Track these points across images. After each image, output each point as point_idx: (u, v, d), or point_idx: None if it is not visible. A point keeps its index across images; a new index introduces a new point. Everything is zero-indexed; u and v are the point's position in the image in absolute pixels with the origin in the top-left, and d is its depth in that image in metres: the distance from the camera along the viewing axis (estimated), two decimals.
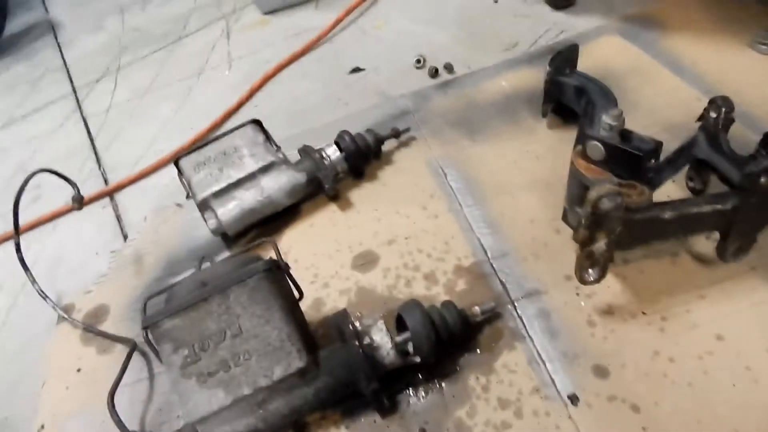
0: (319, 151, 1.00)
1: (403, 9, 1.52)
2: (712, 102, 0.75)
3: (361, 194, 1.00)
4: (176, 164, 0.99)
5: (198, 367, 0.66)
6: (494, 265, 0.82)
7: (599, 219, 0.63)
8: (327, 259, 0.90)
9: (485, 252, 0.85)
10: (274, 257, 0.72)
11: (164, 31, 1.73)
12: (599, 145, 0.71)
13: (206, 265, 0.81)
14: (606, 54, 1.15)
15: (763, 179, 0.62)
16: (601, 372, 0.68)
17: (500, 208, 0.91)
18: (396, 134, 1.06)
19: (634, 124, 0.91)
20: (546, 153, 0.97)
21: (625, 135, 0.71)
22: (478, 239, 0.87)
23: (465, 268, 0.83)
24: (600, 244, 0.66)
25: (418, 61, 1.29)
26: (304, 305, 0.84)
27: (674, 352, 0.67)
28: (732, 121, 0.74)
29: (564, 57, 0.97)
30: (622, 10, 1.27)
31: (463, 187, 0.96)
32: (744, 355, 0.65)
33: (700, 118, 0.76)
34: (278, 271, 0.71)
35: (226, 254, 0.95)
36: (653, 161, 0.70)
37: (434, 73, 1.25)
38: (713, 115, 0.74)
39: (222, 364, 0.66)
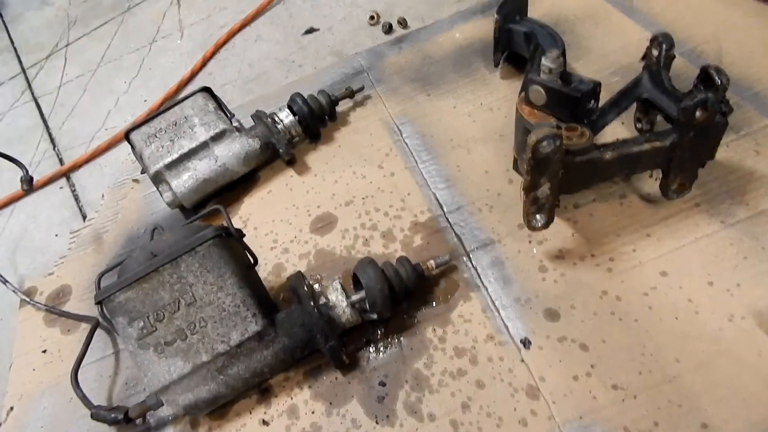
0: (272, 115, 0.98)
1: None
2: (653, 40, 0.75)
3: (317, 157, 0.99)
4: (127, 138, 0.97)
5: (155, 338, 0.66)
6: (450, 219, 0.83)
7: (540, 163, 0.63)
8: (286, 225, 0.90)
9: (441, 206, 0.85)
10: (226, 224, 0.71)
11: (113, 2, 1.65)
12: (540, 89, 0.71)
13: (158, 236, 0.80)
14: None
15: (698, 113, 0.62)
16: (551, 315, 0.70)
17: (455, 161, 0.91)
18: (350, 94, 1.04)
19: (586, 68, 0.91)
20: (500, 103, 0.97)
21: (565, 77, 0.70)
22: (434, 194, 0.87)
23: (421, 223, 0.84)
24: (544, 189, 0.66)
25: (372, 17, 1.26)
26: (264, 271, 0.85)
27: (621, 290, 0.69)
28: (673, 57, 0.74)
29: (512, 4, 0.95)
30: None
31: (419, 143, 0.95)
32: (686, 289, 0.67)
33: (643, 57, 0.76)
34: (228, 238, 0.70)
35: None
36: (593, 102, 0.70)
37: (388, 28, 1.23)
38: (655, 53, 0.74)
39: (178, 333, 0.66)
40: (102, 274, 0.74)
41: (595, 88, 0.69)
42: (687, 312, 0.66)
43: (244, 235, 0.75)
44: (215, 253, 0.68)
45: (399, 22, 1.23)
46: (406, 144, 0.96)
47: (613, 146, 0.67)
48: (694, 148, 0.67)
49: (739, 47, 0.91)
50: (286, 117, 0.97)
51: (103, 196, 1.07)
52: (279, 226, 0.90)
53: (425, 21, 1.21)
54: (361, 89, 1.06)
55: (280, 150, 0.95)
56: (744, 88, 0.85)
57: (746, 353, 0.61)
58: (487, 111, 0.96)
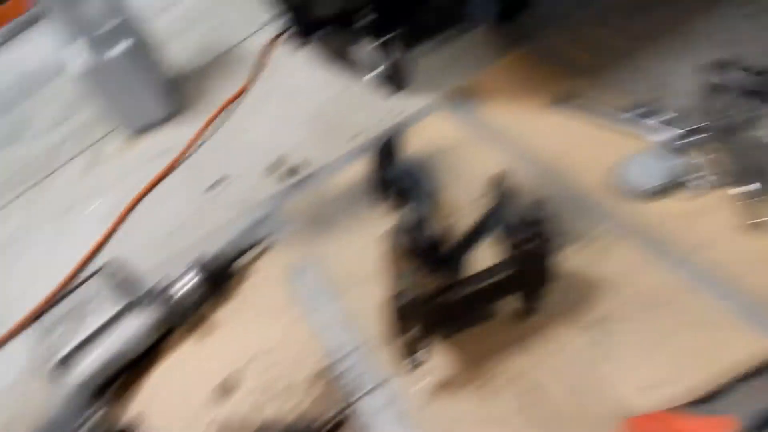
0: (173, 282, 1.03)
1: (259, 114, 1.60)
2: (491, 178, 0.87)
3: (223, 315, 1.04)
4: (32, 323, 0.99)
5: None
6: (345, 364, 0.88)
7: (401, 314, 0.71)
8: (187, 399, 0.91)
9: (337, 351, 0.90)
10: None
11: (33, 169, 1.72)
12: (399, 238, 0.80)
13: None
14: (434, 131, 1.26)
15: (520, 249, 0.72)
16: None
17: (350, 303, 0.97)
18: (252, 245, 1.12)
19: (459, 191, 0.99)
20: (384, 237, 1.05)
21: (422, 227, 0.80)
22: (331, 340, 0.92)
23: (318, 373, 0.88)
24: (411, 333, 0.73)
25: (274, 164, 1.37)
26: None
27: (496, 413, 0.75)
28: (509, 194, 0.85)
29: (382, 152, 1.08)
30: (450, 85, 1.36)
31: (317, 288, 1.02)
32: (553, 400, 0.73)
33: (489, 192, 0.87)
34: None
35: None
36: (441, 252, 0.79)
37: (289, 173, 1.33)
38: (494, 190, 0.85)
39: None
40: None
41: (438, 240, 0.79)
42: (558, 427, 0.71)
43: None
44: None
45: (297, 167, 1.33)
46: (306, 290, 1.02)
47: (461, 286, 0.75)
48: (530, 275, 0.76)
49: (576, 162, 1.05)
50: (189, 281, 1.02)
51: (4, 391, 1.06)
52: (180, 402, 0.92)
53: (320, 163, 1.31)
54: (262, 240, 1.13)
55: (182, 317, 0.99)
56: (579, 199, 0.97)
57: None
58: (375, 249, 1.04)
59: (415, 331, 0.74)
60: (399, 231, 0.81)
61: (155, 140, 1.65)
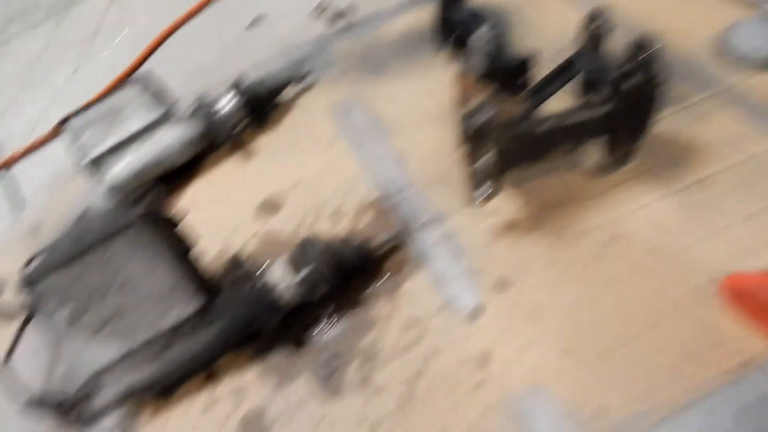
0: (213, 101, 0.95)
1: None
2: (589, 15, 0.76)
3: (263, 142, 0.97)
4: (62, 126, 0.93)
5: (86, 321, 0.62)
6: (397, 198, 0.82)
7: (476, 135, 0.63)
8: (230, 211, 0.87)
9: (388, 186, 0.84)
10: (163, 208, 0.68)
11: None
12: (476, 61, 0.71)
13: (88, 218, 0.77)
14: None
15: (626, 82, 0.64)
16: (502, 285, 0.69)
17: (403, 142, 0.90)
18: (297, 78, 1.03)
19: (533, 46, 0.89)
20: (444, 86, 0.95)
21: (500, 52, 0.71)
22: (382, 174, 0.86)
23: (369, 203, 0.82)
24: (483, 162, 0.66)
25: (318, 7, 1.25)
26: (209, 257, 0.82)
27: (569, 258, 0.70)
28: (609, 31, 0.75)
29: None
30: None
31: (366, 125, 0.94)
32: (633, 255, 0.68)
33: (582, 32, 0.77)
34: (161, 218, 0.67)
35: None
36: (527, 74, 0.71)
37: (335, 18, 1.21)
38: (591, 27, 0.75)
39: (112, 315, 0.62)
40: (31, 259, 0.70)
41: (527, 60, 0.70)
42: (635, 277, 0.66)
43: (178, 223, 0.71)
44: (146, 233, 0.64)
45: (345, 12, 1.21)
46: (354, 126, 0.95)
47: (548, 118, 0.67)
48: (629, 119, 0.68)
49: (677, 25, 0.94)
50: (229, 102, 0.94)
51: (40, 189, 1.02)
52: (223, 212, 0.87)
53: (371, 10, 1.19)
54: (308, 74, 1.05)
55: (222, 136, 0.92)
56: (683, 61, 0.87)
57: (691, 317, 0.62)
58: (433, 93, 0.96)
59: (487, 158, 0.67)
60: (476, 50, 0.71)
61: None
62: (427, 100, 0.96)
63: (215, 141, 0.95)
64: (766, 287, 0.57)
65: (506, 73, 0.72)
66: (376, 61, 1.06)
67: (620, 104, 0.67)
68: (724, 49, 0.86)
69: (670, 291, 0.64)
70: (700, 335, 0.60)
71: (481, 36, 0.72)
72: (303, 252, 0.69)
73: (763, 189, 0.70)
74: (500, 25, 0.83)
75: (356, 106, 0.98)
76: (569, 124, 0.68)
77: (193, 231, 0.74)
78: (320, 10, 1.24)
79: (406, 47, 1.07)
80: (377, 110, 0.96)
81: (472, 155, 0.67)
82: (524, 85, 0.72)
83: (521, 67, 0.70)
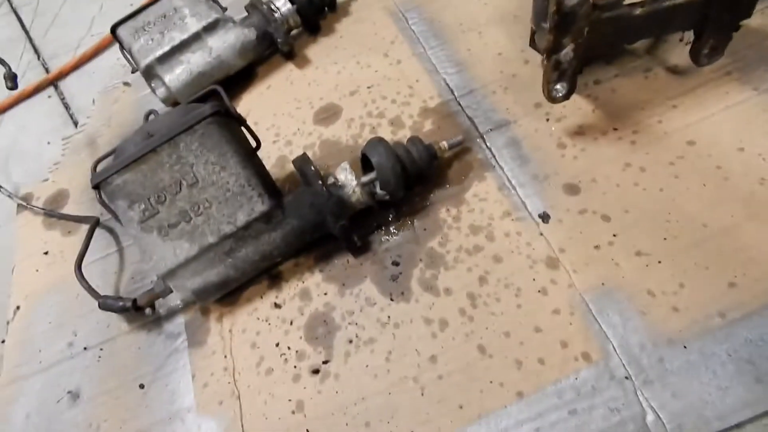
0: (268, 4, 0.91)
1: None
2: None
3: (318, 49, 0.93)
4: (113, 33, 0.91)
5: (157, 220, 0.63)
6: (461, 103, 0.78)
7: (565, 19, 0.58)
8: (288, 118, 0.85)
9: (452, 91, 0.80)
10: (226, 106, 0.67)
11: None
12: None
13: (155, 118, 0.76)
14: None
15: None
16: (571, 189, 0.66)
17: (466, 45, 0.85)
18: None
19: None
20: None
21: None
22: (444, 79, 0.82)
23: (431, 108, 0.79)
24: (567, 51, 0.61)
25: None
26: (268, 164, 0.81)
27: (645, 161, 0.66)
28: None
29: None
30: None
31: (426, 29, 0.89)
32: (715, 156, 0.64)
33: None
34: (228, 117, 0.66)
35: None
36: None
37: None
38: None
39: (182, 214, 0.63)
40: (99, 161, 0.71)
41: None
42: (716, 178, 0.62)
43: (244, 120, 0.70)
44: (215, 132, 0.63)
45: None
46: (413, 31, 0.89)
47: (643, 1, 0.61)
48: (729, 4, 0.61)
49: None
50: (283, 5, 0.90)
51: (93, 101, 1.02)
52: (280, 120, 0.85)
53: None
54: None
55: (278, 40, 0.89)
56: None
57: None
58: None
59: (569, 49, 0.62)
60: None
61: None
62: (489, 2, 0.89)
63: (271, 47, 0.92)
64: None
65: None
66: None
67: None
68: None
69: (757, 192, 0.60)
70: None
71: None
72: (369, 153, 0.67)
73: None
74: None
75: (415, 8, 0.92)
76: (666, 9, 0.62)
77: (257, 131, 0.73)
78: None
79: None
80: (438, 12, 0.91)
81: (556, 44, 0.62)
82: None
83: None
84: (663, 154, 0.66)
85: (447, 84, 0.81)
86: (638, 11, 0.61)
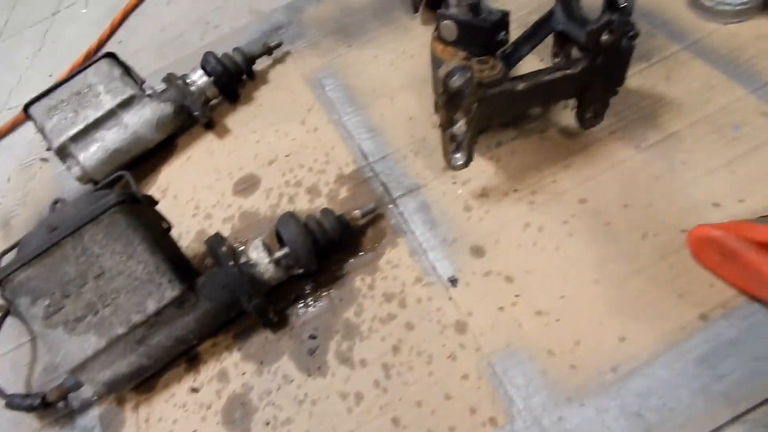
0: (184, 77, 0.93)
1: None
2: None
3: (237, 118, 0.95)
4: (26, 112, 0.90)
5: (63, 315, 0.62)
6: (375, 168, 0.81)
7: (453, 97, 0.62)
8: (207, 190, 0.86)
9: (366, 157, 0.83)
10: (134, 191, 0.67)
11: None
12: (450, 23, 0.69)
13: (60, 208, 0.75)
14: None
15: (603, 36, 0.62)
16: (477, 252, 0.70)
17: (379, 111, 0.88)
18: (268, 50, 1.00)
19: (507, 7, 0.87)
20: (421, 50, 0.94)
21: (474, 9, 0.69)
22: (358, 145, 0.85)
23: (346, 175, 0.82)
24: (460, 125, 0.65)
25: None
26: (187, 239, 0.81)
27: (543, 221, 0.70)
28: None
29: None
30: None
31: (342, 95, 0.92)
32: (604, 213, 0.68)
33: None
34: (136, 204, 0.66)
35: None
36: (503, 33, 0.69)
37: None
38: None
39: (89, 307, 0.62)
40: (2, 255, 0.69)
41: (504, 17, 0.68)
42: (605, 235, 0.67)
43: (156, 203, 0.71)
44: (121, 220, 0.63)
45: None
46: (329, 98, 0.93)
47: (525, 77, 0.66)
48: (604, 73, 0.67)
49: None
50: (199, 78, 0.92)
51: (9, 179, 1.00)
52: (200, 192, 0.86)
53: None
54: (280, 45, 1.01)
55: (196, 113, 0.90)
56: (654, 16, 0.86)
57: (661, 268, 0.63)
58: (409, 58, 0.94)
59: (463, 122, 0.66)
60: (447, 17, 0.68)
61: None
62: (404, 65, 0.94)
63: (189, 119, 0.93)
64: (729, 237, 0.58)
65: (481, 31, 0.70)
66: (350, 26, 1.03)
67: (597, 59, 0.66)
68: (695, 1, 0.84)
69: (641, 246, 0.65)
70: (669, 287, 0.61)
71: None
72: (281, 229, 0.69)
73: (728, 142, 0.70)
74: None
75: (331, 75, 0.96)
76: (546, 82, 0.67)
77: (170, 213, 0.73)
78: None
79: (380, 10, 1.04)
80: (353, 79, 0.94)
81: (449, 120, 0.66)
82: (500, 45, 0.70)
83: (497, 25, 0.68)
84: (558, 213, 0.70)
85: (361, 150, 0.84)
86: (521, 86, 0.65)
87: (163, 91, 0.92)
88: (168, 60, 1.12)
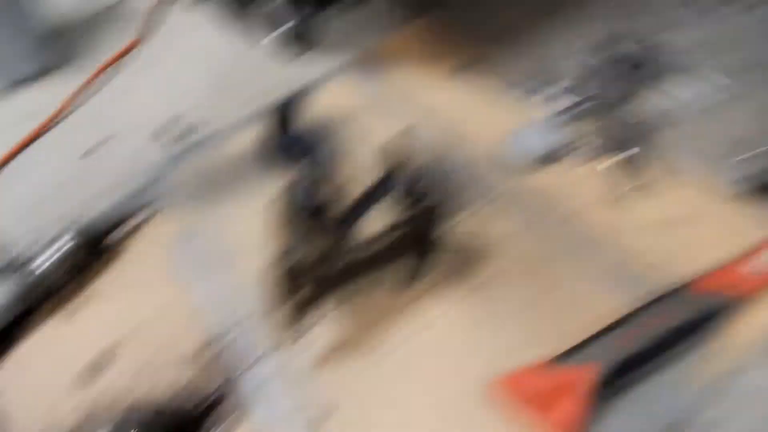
0: (36, 254, 0.92)
1: (150, 72, 1.44)
2: (386, 144, 0.84)
3: (96, 289, 0.94)
4: None
5: None
6: (229, 337, 0.83)
7: (288, 274, 0.67)
8: (53, 379, 0.83)
9: (222, 325, 0.85)
10: None
11: None
12: (292, 199, 0.76)
13: None
14: (337, 95, 1.21)
15: (411, 209, 0.71)
16: (326, 415, 0.72)
17: (238, 273, 0.91)
18: (135, 213, 1.02)
19: (359, 162, 0.96)
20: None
21: (310, 188, 0.76)
22: (217, 312, 0.86)
23: (200, 348, 0.82)
24: (298, 296, 0.70)
25: (164, 127, 1.26)
26: None
27: (377, 377, 0.74)
28: (404, 159, 0.83)
29: (280, 115, 1.02)
30: (358, 49, 1.32)
31: (204, 258, 0.95)
32: (422, 366, 0.74)
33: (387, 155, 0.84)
34: None
35: None
36: (340, 205, 0.77)
37: (179, 137, 1.22)
38: (389, 155, 0.82)
39: None
40: None
41: (322, 206, 0.75)
42: (424, 391, 0.71)
43: None
44: None
45: (191, 129, 1.22)
46: (190, 260, 0.95)
47: (352, 249, 0.73)
48: (417, 241, 0.75)
49: (472, 130, 1.05)
50: (44, 261, 0.91)
51: None
52: (45, 382, 0.83)
53: (218, 126, 1.21)
54: (147, 206, 1.04)
55: (42, 294, 0.89)
56: (472, 168, 0.98)
57: (475, 415, 0.67)
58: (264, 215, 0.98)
59: (301, 295, 0.71)
60: (289, 191, 0.76)
61: (27, 97, 1.45)
62: (260, 225, 0.96)
63: (38, 299, 0.91)
64: (531, 381, 0.65)
65: (318, 209, 0.77)
66: (215, 184, 1.08)
67: (409, 229, 0.74)
68: (505, 153, 0.98)
69: (450, 398, 0.70)
70: None
71: (295, 177, 0.77)
72: (121, 424, 0.68)
73: (534, 285, 0.79)
74: (321, 161, 0.89)
75: (195, 236, 0.99)
76: (371, 253, 0.74)
77: (10, 413, 0.69)
78: (163, 131, 1.24)
79: (244, 166, 1.10)
80: (215, 240, 0.98)
81: (286, 295, 0.70)
82: (335, 221, 0.77)
83: (332, 203, 0.75)
84: (389, 370, 0.75)
85: (219, 317, 0.86)
86: (346, 262, 0.72)
87: (13, 271, 0.91)
88: (33, 223, 1.09)
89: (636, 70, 1.08)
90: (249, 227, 0.98)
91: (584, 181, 0.92)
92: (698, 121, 1.02)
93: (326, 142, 1.02)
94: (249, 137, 1.15)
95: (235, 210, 1.02)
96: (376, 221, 0.87)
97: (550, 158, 0.95)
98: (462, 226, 0.88)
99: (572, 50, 1.17)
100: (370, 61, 1.29)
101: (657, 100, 1.05)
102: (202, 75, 1.37)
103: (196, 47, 1.45)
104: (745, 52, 1.14)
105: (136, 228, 1.03)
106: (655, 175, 0.92)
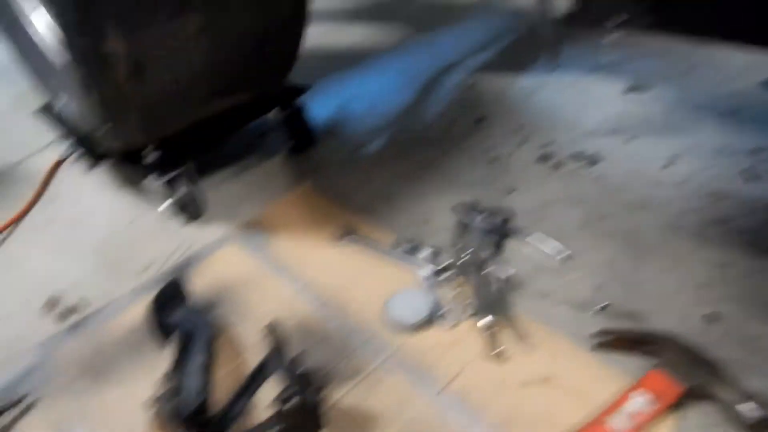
0: None
1: (36, 244, 1.40)
2: (265, 328, 0.91)
3: None
4: None
5: None
6: None
7: None
8: None
9: None
10: None
11: None
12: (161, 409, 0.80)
13: None
14: (223, 265, 1.24)
15: (284, 406, 0.77)
16: None
17: None
18: (11, 405, 0.99)
19: (246, 332, 0.97)
20: None
21: (183, 392, 0.81)
22: None
23: None
24: None
25: (49, 303, 1.22)
26: None
27: None
28: (281, 344, 0.90)
29: (163, 296, 1.06)
30: (243, 217, 1.37)
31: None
32: None
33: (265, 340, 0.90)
34: None
35: None
36: (205, 415, 0.82)
37: (65, 314, 1.19)
38: (268, 340, 0.88)
39: None
40: None
41: (198, 407, 0.80)
42: None
43: None
44: None
45: (75, 307, 1.20)
46: None
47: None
48: (298, 428, 0.80)
49: (356, 296, 1.11)
50: None
51: None
52: None
53: (103, 301, 1.20)
54: (26, 396, 1.01)
55: None
56: (357, 334, 1.03)
57: None
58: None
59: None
60: (162, 398, 0.80)
61: None
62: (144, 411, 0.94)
63: None
64: None
65: (193, 412, 0.80)
66: (103, 364, 1.05)
67: (286, 420, 0.78)
68: (386, 318, 1.03)
69: None
70: None
71: (166, 383, 0.81)
72: None
73: None
74: (202, 348, 0.93)
75: (76, 427, 0.95)
76: None
77: None
78: (48, 307, 1.20)
79: (133, 343, 1.08)
80: (98, 427, 0.95)
81: None
82: (211, 421, 0.81)
83: (207, 402, 0.79)
84: None
85: None
86: None
87: None
88: None
89: (497, 231, 1.18)
90: (134, 415, 0.94)
91: (457, 344, 0.98)
92: (549, 280, 1.11)
93: (210, 319, 1.04)
94: (138, 311, 1.12)
95: (120, 396, 0.99)
96: (258, 411, 0.88)
97: (425, 322, 1.00)
98: (350, 395, 0.92)
99: (439, 213, 1.27)
100: (254, 229, 1.32)
101: (518, 259, 1.14)
102: (91, 245, 1.35)
103: (85, 215, 1.44)
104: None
105: (16, 420, 0.97)
106: (519, 334, 0.99)
